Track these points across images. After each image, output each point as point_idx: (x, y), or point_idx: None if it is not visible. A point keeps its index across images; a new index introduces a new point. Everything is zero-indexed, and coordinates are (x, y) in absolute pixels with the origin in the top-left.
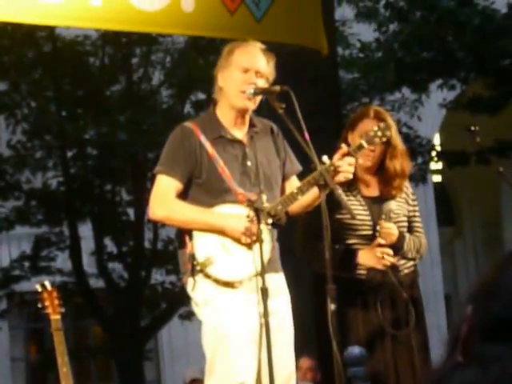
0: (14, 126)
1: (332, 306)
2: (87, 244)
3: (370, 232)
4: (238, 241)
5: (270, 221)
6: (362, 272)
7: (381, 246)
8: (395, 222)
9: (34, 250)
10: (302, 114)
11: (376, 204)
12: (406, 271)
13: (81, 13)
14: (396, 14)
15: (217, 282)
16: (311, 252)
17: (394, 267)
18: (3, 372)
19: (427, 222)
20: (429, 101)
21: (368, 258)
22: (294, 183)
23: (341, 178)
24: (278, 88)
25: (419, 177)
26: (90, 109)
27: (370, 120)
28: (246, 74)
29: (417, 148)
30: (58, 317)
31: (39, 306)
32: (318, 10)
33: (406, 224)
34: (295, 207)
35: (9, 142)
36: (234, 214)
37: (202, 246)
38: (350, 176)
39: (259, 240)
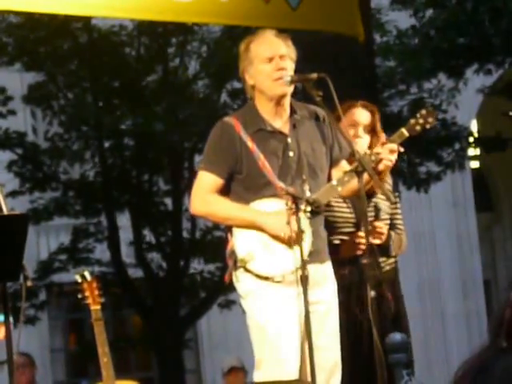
0: (51, 117)
1: (372, 293)
2: (125, 234)
3: (352, 229)
4: (276, 238)
5: (308, 208)
6: (345, 267)
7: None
8: (382, 220)
9: (73, 241)
10: (338, 101)
11: (359, 201)
12: (388, 268)
13: (118, 3)
14: (432, 0)
15: (258, 276)
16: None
17: (376, 264)
18: (43, 363)
19: (465, 208)
20: (465, 87)
21: (348, 249)
22: (343, 167)
23: (381, 166)
24: (315, 75)
25: (457, 163)
26: (126, 99)
27: (358, 108)
28: (271, 62)
29: (454, 134)
30: (98, 307)
31: (79, 296)
32: None
33: (388, 222)
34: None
35: (46, 134)
36: (273, 211)
37: (242, 241)
38: (390, 164)
39: (299, 233)
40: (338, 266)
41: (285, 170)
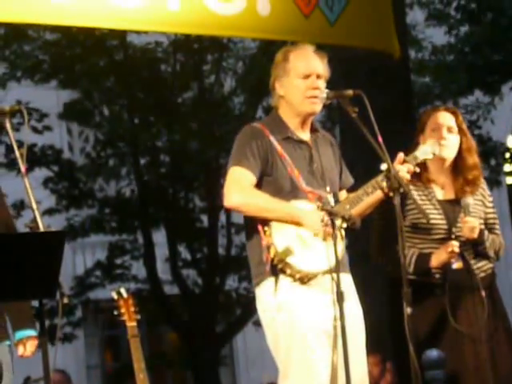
0: (87, 134)
1: (408, 310)
2: (161, 251)
3: (444, 236)
4: (314, 234)
5: (344, 225)
6: (437, 276)
7: (457, 237)
8: (474, 217)
9: (109, 257)
10: (374, 117)
11: (451, 207)
12: (483, 274)
13: (159, 17)
14: (467, 17)
15: (293, 276)
16: (387, 256)
17: (469, 270)
18: (79, 380)
19: (501, 224)
20: (501, 103)
21: (439, 258)
22: (343, 196)
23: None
24: (350, 92)
25: (493, 179)
26: (162, 116)
27: (441, 112)
28: (307, 79)
29: (490, 150)
30: (134, 324)
31: (115, 313)
32: (389, 13)
33: (482, 226)
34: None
35: (82, 151)
36: (309, 210)
37: (280, 235)
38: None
39: (335, 239)
40: (427, 275)
41: (310, 179)
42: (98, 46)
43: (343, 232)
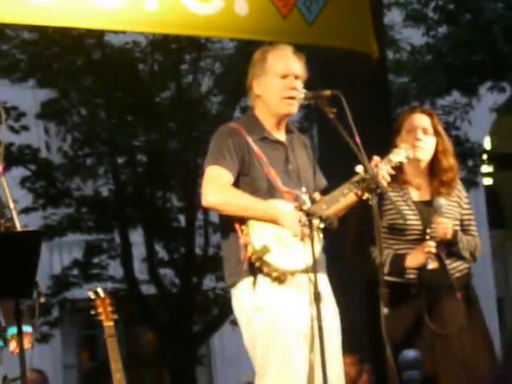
0: (65, 133)
1: (385, 310)
2: (138, 250)
3: (419, 237)
4: (291, 232)
5: (322, 225)
6: (412, 276)
7: (432, 238)
8: (447, 218)
9: (86, 257)
10: (352, 117)
11: (426, 208)
12: (458, 274)
13: (136, 17)
14: (445, 18)
15: (270, 275)
16: (362, 258)
17: (444, 270)
18: (56, 379)
19: (478, 224)
20: (479, 104)
21: (415, 258)
22: (317, 198)
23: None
24: (328, 92)
25: (470, 180)
26: (139, 116)
27: (416, 113)
28: (284, 79)
29: (467, 152)
30: (111, 323)
31: (92, 312)
32: (367, 14)
33: (457, 227)
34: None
35: (59, 150)
36: (287, 209)
37: (257, 234)
38: (384, 183)
39: (312, 239)
40: (402, 276)
41: (287, 179)
42: (75, 46)
43: (320, 232)
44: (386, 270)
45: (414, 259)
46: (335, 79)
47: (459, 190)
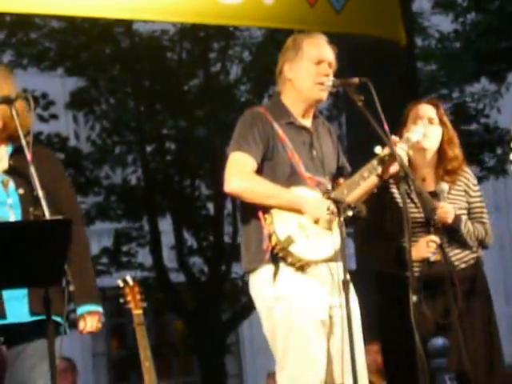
0: (93, 122)
1: (414, 298)
2: (167, 238)
3: (422, 229)
4: (315, 221)
5: (350, 213)
6: (416, 269)
7: (436, 230)
8: (450, 203)
9: (115, 245)
10: (380, 105)
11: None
12: (463, 265)
13: (163, 6)
14: (474, 4)
15: (293, 264)
16: (373, 250)
17: (448, 263)
18: (86, 367)
19: (507, 212)
20: (508, 92)
21: (418, 251)
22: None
23: (393, 169)
24: (356, 80)
25: (499, 168)
26: (168, 104)
27: (422, 104)
28: (319, 65)
29: (496, 139)
30: (140, 311)
31: (121, 301)
32: (395, 1)
33: (464, 216)
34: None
35: (88, 139)
36: (311, 197)
37: (281, 223)
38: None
39: (341, 227)
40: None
41: (310, 165)
42: (103, 34)
43: (346, 220)
44: (390, 263)
45: (416, 252)
46: (363, 67)
47: (467, 178)
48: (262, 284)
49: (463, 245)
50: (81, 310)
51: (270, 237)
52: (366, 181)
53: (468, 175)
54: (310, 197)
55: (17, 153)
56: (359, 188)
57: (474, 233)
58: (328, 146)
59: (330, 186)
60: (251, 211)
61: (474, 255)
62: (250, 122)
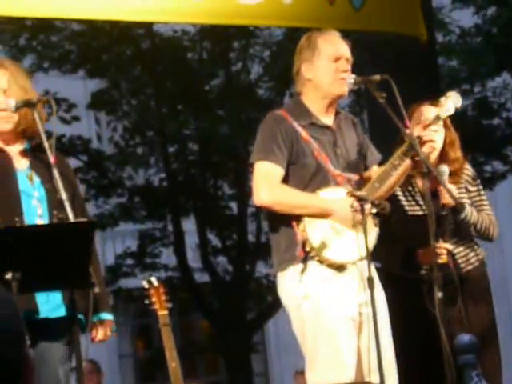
0: (115, 123)
1: (439, 294)
2: (191, 239)
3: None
4: (346, 224)
5: (374, 210)
6: (424, 272)
7: (443, 217)
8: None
9: (139, 246)
10: (401, 102)
11: (433, 198)
12: (470, 267)
13: (183, 8)
14: None
15: (330, 266)
16: (385, 253)
17: (455, 266)
18: (112, 369)
19: None
20: None
21: (427, 256)
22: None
23: (425, 148)
24: (378, 77)
25: None
26: (189, 104)
27: (425, 105)
28: (337, 62)
29: None
30: (165, 312)
31: (146, 302)
32: None
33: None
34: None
35: (110, 140)
36: (338, 198)
37: (315, 230)
38: (435, 145)
39: (364, 225)
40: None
41: (335, 163)
42: (124, 36)
43: (375, 219)
44: (398, 265)
45: (425, 257)
46: (384, 63)
47: (468, 174)
48: (291, 283)
49: (468, 242)
50: (92, 318)
51: (303, 244)
52: (397, 170)
53: (468, 171)
54: (338, 198)
55: (33, 152)
56: (391, 178)
57: (479, 220)
58: (352, 140)
59: (356, 183)
60: (281, 217)
61: (480, 256)
62: (272, 126)
